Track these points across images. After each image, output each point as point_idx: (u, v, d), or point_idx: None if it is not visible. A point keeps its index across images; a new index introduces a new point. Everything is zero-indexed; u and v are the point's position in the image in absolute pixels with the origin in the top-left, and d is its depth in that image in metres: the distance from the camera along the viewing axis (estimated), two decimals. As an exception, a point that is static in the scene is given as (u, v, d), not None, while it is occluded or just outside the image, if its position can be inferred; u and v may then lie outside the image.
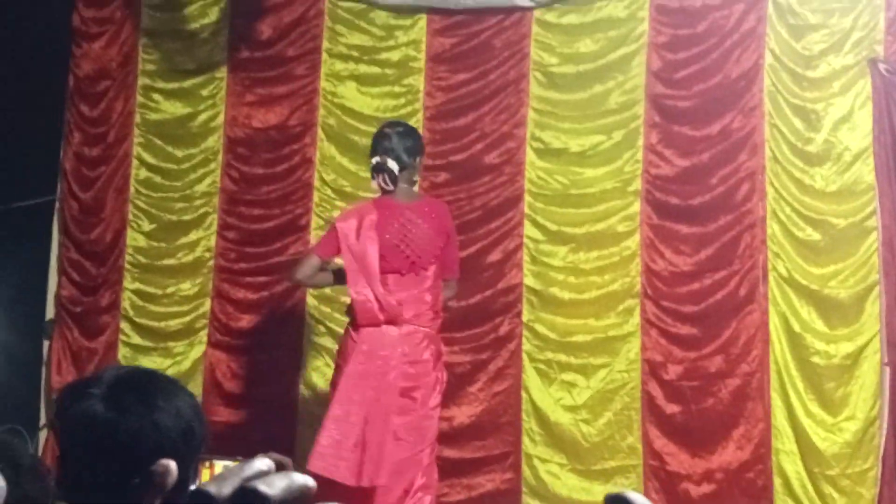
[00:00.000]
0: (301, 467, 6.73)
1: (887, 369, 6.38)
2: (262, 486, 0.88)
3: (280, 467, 2.67)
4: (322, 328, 7.15)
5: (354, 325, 5.67)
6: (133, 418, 2.02)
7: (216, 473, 2.45)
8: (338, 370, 5.76)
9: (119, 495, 2.04)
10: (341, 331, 6.96)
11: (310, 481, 0.91)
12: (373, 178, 5.80)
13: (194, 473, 2.12)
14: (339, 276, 5.80)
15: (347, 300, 6.32)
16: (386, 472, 5.49)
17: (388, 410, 5.52)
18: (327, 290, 6.97)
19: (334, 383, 5.73)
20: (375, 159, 5.76)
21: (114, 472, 2.02)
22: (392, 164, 5.71)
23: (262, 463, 0.93)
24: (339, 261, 5.83)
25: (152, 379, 2.15)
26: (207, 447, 2.15)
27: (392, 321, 5.58)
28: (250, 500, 0.87)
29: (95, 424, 2.02)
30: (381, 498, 5.51)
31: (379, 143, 5.80)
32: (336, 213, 7.11)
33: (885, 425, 6.36)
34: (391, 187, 5.72)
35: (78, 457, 2.06)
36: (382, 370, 5.54)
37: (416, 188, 5.98)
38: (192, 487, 2.60)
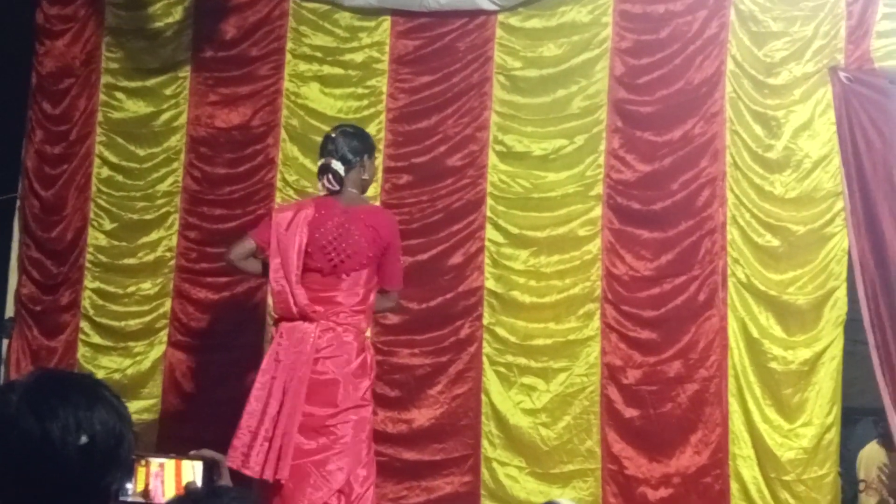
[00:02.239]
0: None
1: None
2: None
3: (213, 464, 2.66)
4: (283, 329, 7.12)
5: (276, 319, 5.71)
6: (56, 425, 1.99)
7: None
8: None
9: None
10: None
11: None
12: (318, 179, 5.76)
13: (128, 475, 2.10)
14: (266, 269, 5.80)
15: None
16: (288, 467, 5.45)
17: (297, 405, 5.50)
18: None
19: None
20: (321, 161, 5.74)
21: (45, 487, 1.99)
22: (336, 165, 5.68)
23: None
24: None
25: (75, 382, 2.12)
26: (135, 450, 2.13)
27: (305, 317, 5.57)
28: None
29: (16, 434, 1.99)
30: (306, 498, 5.47)
31: (324, 146, 5.78)
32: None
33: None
34: (337, 187, 5.68)
35: (6, 474, 2.01)
36: (294, 364, 5.53)
37: (366, 191, 5.92)
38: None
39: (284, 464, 5.42)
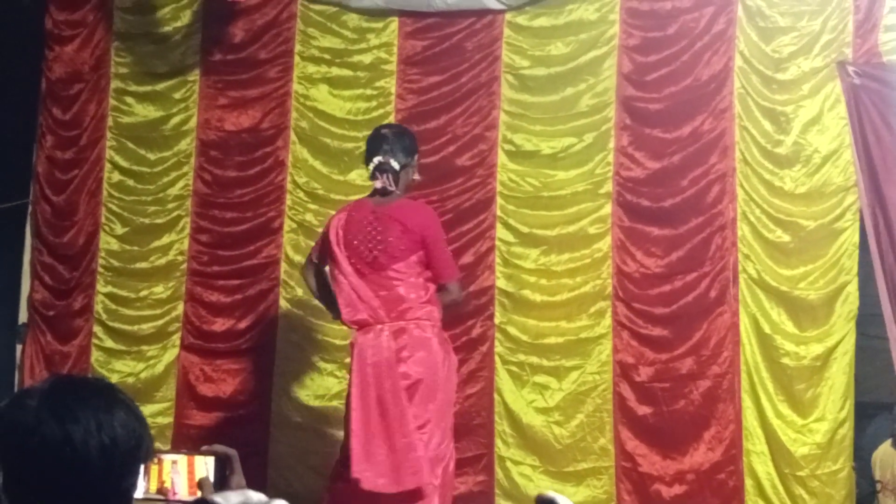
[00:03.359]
0: (276, 469, 6.75)
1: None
2: (219, 499, 0.89)
3: (225, 459, 2.67)
4: (295, 331, 7.14)
5: (346, 324, 5.74)
6: (77, 428, 2.00)
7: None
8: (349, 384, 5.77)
9: None
10: (314, 334, 7.02)
11: (262, 497, 0.92)
12: (373, 178, 5.77)
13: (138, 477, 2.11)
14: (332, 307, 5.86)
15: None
16: (426, 468, 5.47)
17: (401, 410, 5.49)
18: (299, 292, 7.00)
19: (347, 397, 5.77)
20: (377, 159, 5.74)
21: (66, 491, 1.99)
22: (394, 164, 5.72)
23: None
24: None
25: (91, 385, 2.12)
26: (152, 454, 2.13)
27: (376, 318, 5.58)
28: None
29: (37, 439, 1.98)
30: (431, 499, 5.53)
31: (377, 144, 5.79)
32: (308, 216, 7.15)
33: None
34: (393, 188, 5.72)
35: (27, 479, 2.02)
36: (377, 374, 5.51)
37: (410, 190, 5.94)
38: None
39: (419, 466, 5.42)
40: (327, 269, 5.88)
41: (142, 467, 2.13)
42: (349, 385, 5.70)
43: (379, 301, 5.60)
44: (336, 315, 5.85)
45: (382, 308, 5.59)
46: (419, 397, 5.56)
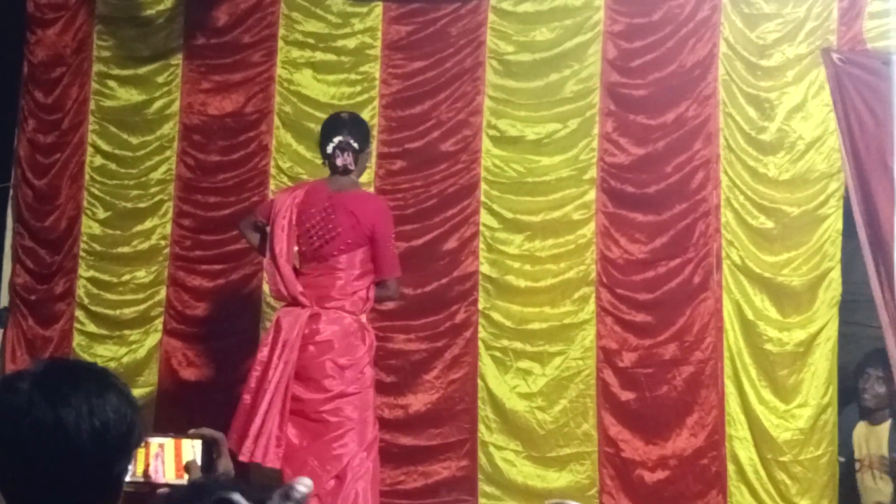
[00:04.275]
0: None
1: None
2: (237, 497, 0.87)
3: (212, 443, 2.66)
4: (278, 316, 7.13)
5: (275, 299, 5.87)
6: (69, 412, 1.99)
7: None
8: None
9: (73, 498, 2.00)
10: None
11: (305, 489, 0.90)
12: (332, 156, 5.83)
13: (129, 462, 2.10)
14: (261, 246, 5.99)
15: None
16: (276, 454, 5.54)
17: (286, 391, 5.59)
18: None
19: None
20: (337, 139, 5.80)
21: (58, 475, 1.98)
22: (354, 144, 5.80)
23: (303, 486, 0.92)
24: None
25: (84, 369, 2.11)
26: (143, 439, 2.12)
27: (296, 301, 5.68)
28: None
29: (28, 421, 1.97)
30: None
31: (337, 126, 5.91)
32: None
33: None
34: (353, 167, 5.80)
35: (18, 462, 2.01)
36: (286, 350, 5.60)
37: (359, 178, 6.00)
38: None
39: (273, 450, 5.47)
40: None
41: (134, 453, 2.13)
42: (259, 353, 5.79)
43: (304, 288, 5.70)
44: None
45: (306, 295, 5.68)
46: (329, 385, 5.64)
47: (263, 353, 5.71)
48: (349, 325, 5.72)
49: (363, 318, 5.86)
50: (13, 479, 2.01)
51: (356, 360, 5.71)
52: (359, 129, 5.94)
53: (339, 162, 5.83)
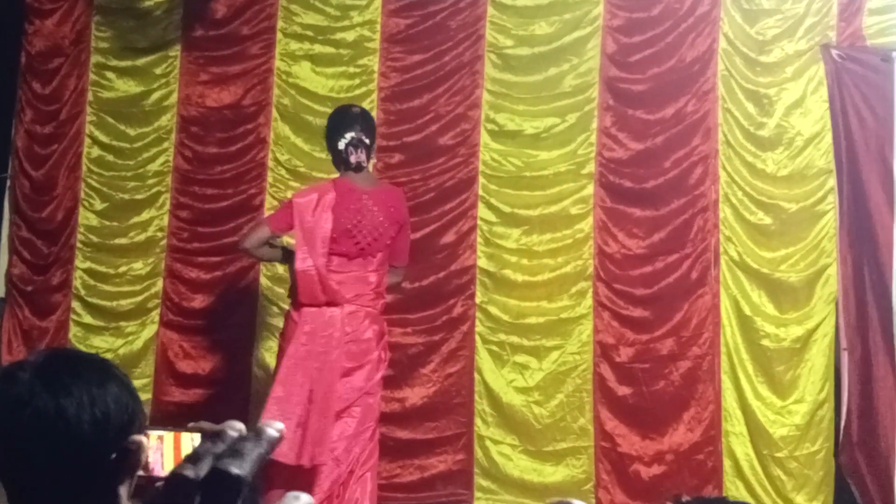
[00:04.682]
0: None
1: (846, 354, 6.43)
2: (234, 468, 0.87)
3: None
4: (275, 308, 7.12)
5: (296, 305, 5.66)
6: (70, 402, 1.98)
7: (188, 453, 2.42)
8: (280, 352, 5.77)
9: (73, 489, 1.99)
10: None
11: (278, 431, 0.89)
12: (345, 154, 5.76)
13: None
14: (287, 256, 5.82)
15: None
16: (328, 451, 5.50)
17: (330, 390, 5.53)
18: (280, 269, 6.98)
19: (277, 364, 5.74)
20: (350, 134, 5.74)
21: (58, 465, 1.98)
22: (367, 140, 5.75)
23: (232, 430, 0.91)
24: (289, 240, 5.84)
25: (85, 360, 2.11)
26: (144, 429, 2.11)
27: (333, 301, 5.59)
28: (224, 484, 0.86)
29: (29, 411, 1.97)
30: (325, 476, 5.52)
31: (350, 121, 5.81)
32: (289, 194, 7.09)
33: (844, 409, 6.41)
34: (366, 164, 5.77)
35: (19, 452, 2.00)
36: (325, 350, 5.55)
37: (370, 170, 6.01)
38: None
39: (322, 449, 5.45)
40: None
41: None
42: (282, 354, 5.69)
43: (340, 286, 5.62)
44: (277, 257, 5.95)
45: (341, 292, 5.61)
46: (361, 381, 5.63)
47: (294, 354, 5.58)
48: (377, 320, 5.74)
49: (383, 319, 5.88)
50: (14, 470, 2.00)
51: (383, 361, 5.74)
52: (370, 124, 5.91)
53: (353, 159, 5.74)
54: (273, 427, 0.89)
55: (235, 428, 0.92)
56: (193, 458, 0.88)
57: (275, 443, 0.88)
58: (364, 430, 5.65)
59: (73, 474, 1.97)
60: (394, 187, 6.17)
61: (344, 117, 5.87)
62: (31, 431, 1.95)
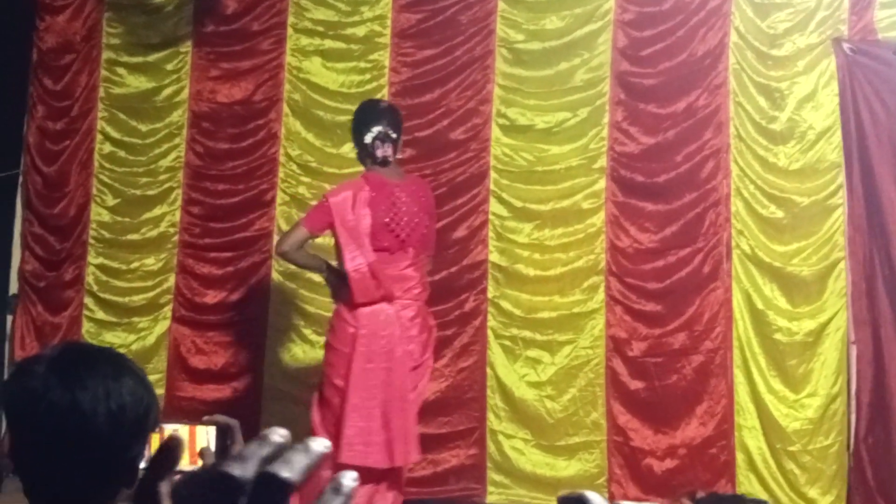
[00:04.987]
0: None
1: (854, 347, 6.43)
2: (285, 472, 0.87)
3: (226, 429, 2.66)
4: (287, 304, 7.13)
5: (351, 305, 5.57)
6: (85, 395, 1.98)
7: (236, 452, 2.42)
8: (331, 351, 5.69)
9: (90, 481, 2.00)
10: (306, 307, 6.99)
11: (325, 447, 0.90)
12: (370, 148, 5.73)
13: (145, 446, 2.10)
14: (332, 270, 5.79)
15: (315, 277, 6.34)
16: (417, 448, 5.56)
17: (403, 387, 5.54)
18: (291, 265, 6.97)
19: (329, 363, 5.68)
20: (377, 129, 5.71)
21: (74, 458, 1.98)
22: (394, 135, 5.72)
23: (278, 435, 0.92)
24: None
25: (100, 353, 2.11)
26: (159, 423, 2.12)
27: (387, 297, 5.55)
28: (272, 487, 0.86)
29: (44, 405, 1.98)
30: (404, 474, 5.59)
31: (376, 115, 5.78)
32: (301, 189, 7.11)
33: (853, 402, 6.41)
34: (392, 158, 5.73)
35: (35, 445, 2.01)
36: (388, 349, 5.53)
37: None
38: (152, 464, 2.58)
39: (412, 447, 5.46)
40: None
41: (150, 436, 2.13)
42: (344, 359, 5.61)
43: (391, 280, 5.58)
44: (322, 270, 5.84)
45: (394, 286, 5.57)
46: (419, 377, 5.61)
47: (360, 357, 5.54)
48: (426, 314, 5.76)
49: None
50: (30, 462, 2.01)
51: (428, 354, 5.78)
52: (397, 118, 5.83)
53: (379, 153, 5.69)
54: (320, 443, 0.90)
55: (280, 434, 0.92)
56: (240, 458, 0.88)
57: (321, 457, 0.89)
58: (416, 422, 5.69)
59: (88, 466, 1.98)
60: (421, 179, 6.18)
61: (371, 111, 5.85)
62: (46, 424, 1.96)
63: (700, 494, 1.62)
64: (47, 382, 1.98)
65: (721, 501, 1.59)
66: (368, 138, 5.71)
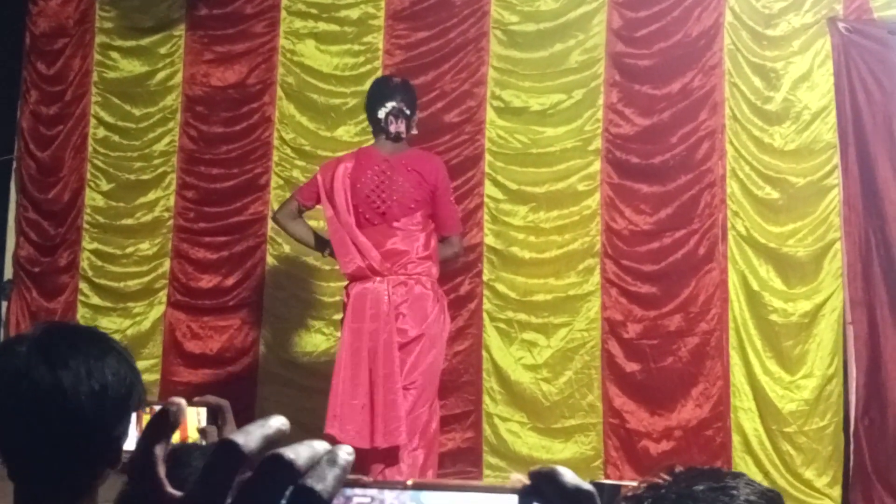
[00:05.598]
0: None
1: (851, 328, 6.41)
2: (290, 454, 0.86)
3: (217, 410, 2.64)
4: (282, 288, 7.12)
5: (348, 281, 5.66)
6: (67, 374, 1.97)
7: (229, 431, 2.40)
8: (342, 327, 5.72)
9: (74, 460, 1.99)
10: (301, 291, 7.00)
11: (349, 455, 0.89)
12: (387, 123, 5.70)
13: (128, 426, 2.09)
14: (321, 242, 5.79)
15: (310, 260, 6.33)
16: (405, 430, 5.46)
17: (391, 366, 5.49)
18: (286, 249, 6.97)
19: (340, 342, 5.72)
20: (390, 104, 5.69)
21: (57, 437, 1.97)
22: (407, 111, 5.71)
23: (278, 421, 0.91)
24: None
25: (83, 332, 2.10)
26: (143, 402, 2.11)
27: (375, 271, 5.54)
28: (279, 469, 0.85)
29: (26, 384, 1.97)
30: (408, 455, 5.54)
31: (389, 91, 5.77)
32: (295, 173, 7.10)
33: (852, 383, 6.40)
34: (405, 133, 5.71)
35: (17, 425, 2.00)
36: (375, 326, 5.51)
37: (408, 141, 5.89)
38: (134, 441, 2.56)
39: (395, 428, 5.42)
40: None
41: (133, 415, 2.11)
42: (341, 331, 5.67)
43: (379, 253, 5.57)
44: (327, 252, 5.84)
45: (383, 260, 5.55)
46: (412, 356, 5.56)
47: (348, 336, 5.55)
48: (434, 289, 5.69)
49: (437, 284, 5.78)
50: (13, 442, 2.00)
51: (445, 326, 5.69)
52: (410, 94, 5.81)
53: (392, 129, 5.69)
54: (345, 450, 0.89)
55: (281, 422, 0.91)
56: (243, 431, 0.87)
57: (349, 467, 0.89)
58: (419, 406, 5.60)
59: (71, 446, 1.97)
60: (426, 153, 6.07)
61: (384, 87, 5.85)
62: (28, 404, 1.95)
63: (678, 469, 1.61)
64: (29, 362, 1.97)
65: (699, 475, 1.58)
66: (381, 113, 5.70)
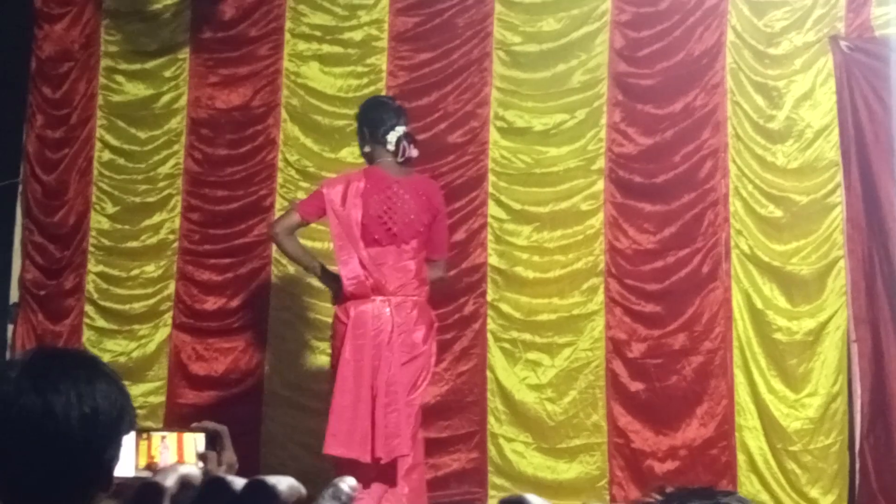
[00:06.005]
0: (268, 448, 6.74)
1: (855, 346, 6.41)
2: (271, 479, 0.89)
3: (215, 435, 2.64)
4: (287, 310, 7.13)
5: (343, 302, 5.60)
6: (58, 399, 1.98)
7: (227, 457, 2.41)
8: (334, 352, 5.70)
9: (65, 485, 2.00)
10: (306, 312, 7.00)
11: (350, 489, 0.91)
12: (395, 145, 5.67)
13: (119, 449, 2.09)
14: (326, 273, 5.81)
15: (314, 282, 6.33)
16: (407, 443, 5.47)
17: (393, 381, 5.49)
18: (291, 270, 6.98)
19: (333, 366, 5.68)
20: (400, 129, 5.69)
21: (48, 463, 1.97)
22: (412, 135, 5.75)
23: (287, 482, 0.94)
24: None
25: (73, 357, 2.11)
26: (135, 425, 2.12)
27: (379, 290, 5.54)
28: (262, 493, 0.87)
29: (17, 409, 1.97)
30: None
31: (394, 114, 5.75)
32: (300, 194, 7.10)
33: (857, 401, 6.39)
34: (414, 155, 5.71)
35: (8, 450, 1.99)
36: (378, 344, 5.51)
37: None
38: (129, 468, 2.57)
39: (400, 441, 5.42)
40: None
41: (124, 440, 2.12)
42: (337, 355, 5.62)
43: (384, 274, 5.57)
44: (316, 272, 5.84)
45: (386, 281, 5.56)
46: (414, 374, 5.57)
47: (350, 355, 5.54)
48: (426, 310, 5.70)
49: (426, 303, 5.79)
50: (3, 467, 2.01)
51: (429, 346, 5.70)
52: (406, 118, 5.85)
53: (407, 154, 5.67)
54: (346, 483, 0.91)
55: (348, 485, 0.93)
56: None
57: (351, 499, 0.90)
58: (417, 425, 5.63)
59: (62, 470, 1.97)
60: (428, 178, 6.12)
61: (388, 109, 5.80)
62: (18, 429, 1.95)
63: (670, 489, 1.62)
64: (20, 387, 1.98)
65: (690, 494, 1.58)
66: (392, 137, 5.67)
